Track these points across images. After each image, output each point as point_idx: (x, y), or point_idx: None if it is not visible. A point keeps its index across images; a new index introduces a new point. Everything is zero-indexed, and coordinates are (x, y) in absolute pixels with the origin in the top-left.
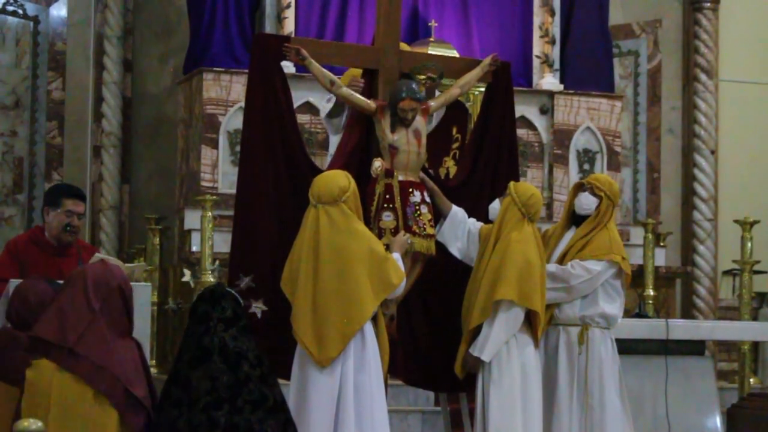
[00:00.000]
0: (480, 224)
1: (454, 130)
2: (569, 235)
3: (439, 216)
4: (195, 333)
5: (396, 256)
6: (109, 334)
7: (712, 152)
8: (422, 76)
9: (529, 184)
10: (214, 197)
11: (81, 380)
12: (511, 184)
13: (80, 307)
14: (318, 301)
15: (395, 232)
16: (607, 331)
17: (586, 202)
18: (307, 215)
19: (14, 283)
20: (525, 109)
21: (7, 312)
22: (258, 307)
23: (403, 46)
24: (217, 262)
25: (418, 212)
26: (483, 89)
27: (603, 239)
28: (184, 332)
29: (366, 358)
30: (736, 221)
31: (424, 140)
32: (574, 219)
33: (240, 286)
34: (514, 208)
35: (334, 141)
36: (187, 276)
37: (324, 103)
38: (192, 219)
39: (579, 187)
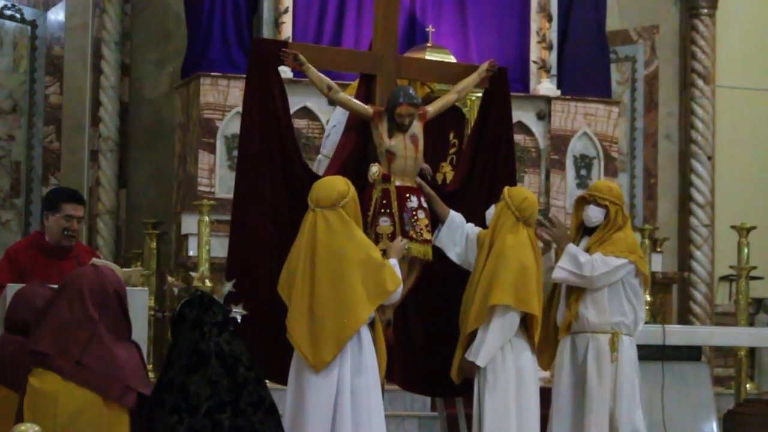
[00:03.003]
0: (478, 229)
1: (451, 136)
2: (584, 243)
3: (436, 221)
4: (188, 339)
5: (393, 262)
6: (110, 340)
7: (709, 158)
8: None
9: (524, 188)
10: (211, 202)
11: (90, 389)
12: (505, 188)
13: (79, 318)
14: (314, 306)
15: (392, 237)
16: (632, 338)
17: (594, 214)
18: (306, 219)
19: (12, 287)
20: (522, 114)
21: (8, 318)
22: (237, 312)
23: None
24: (206, 266)
25: (415, 217)
26: (480, 95)
27: (620, 238)
28: (172, 339)
29: (363, 362)
30: (732, 227)
31: (421, 146)
32: (585, 230)
33: (222, 291)
34: (508, 212)
35: (328, 143)
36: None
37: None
38: (189, 224)
39: (582, 201)
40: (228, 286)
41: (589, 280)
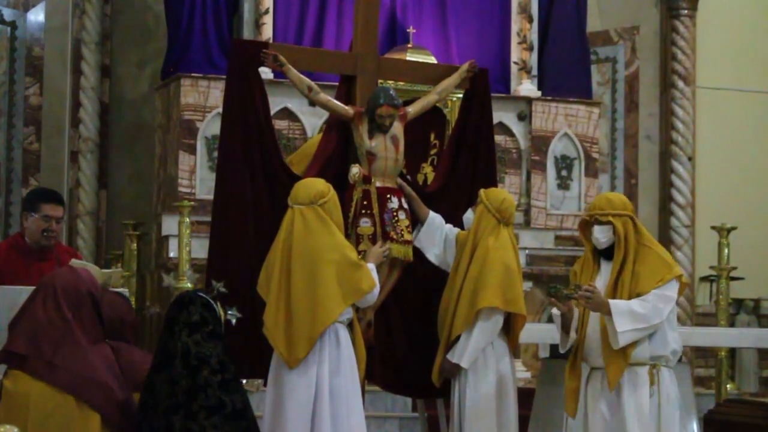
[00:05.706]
0: (457, 230)
1: (432, 136)
2: (606, 269)
3: (416, 222)
4: (162, 338)
5: (370, 266)
6: (84, 341)
7: (690, 159)
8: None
9: (500, 188)
10: (192, 203)
11: (61, 390)
12: (482, 191)
13: (53, 318)
14: (289, 302)
15: (373, 238)
16: (671, 370)
17: (601, 235)
18: (285, 217)
19: None
20: (503, 115)
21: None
22: (233, 315)
23: None
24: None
25: (396, 218)
26: (461, 95)
27: (653, 258)
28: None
29: (341, 362)
30: (713, 228)
31: (401, 146)
32: (601, 253)
33: (213, 293)
34: (488, 215)
35: None
36: (167, 280)
37: None
38: (169, 225)
39: (585, 224)
40: (218, 287)
41: (658, 325)
